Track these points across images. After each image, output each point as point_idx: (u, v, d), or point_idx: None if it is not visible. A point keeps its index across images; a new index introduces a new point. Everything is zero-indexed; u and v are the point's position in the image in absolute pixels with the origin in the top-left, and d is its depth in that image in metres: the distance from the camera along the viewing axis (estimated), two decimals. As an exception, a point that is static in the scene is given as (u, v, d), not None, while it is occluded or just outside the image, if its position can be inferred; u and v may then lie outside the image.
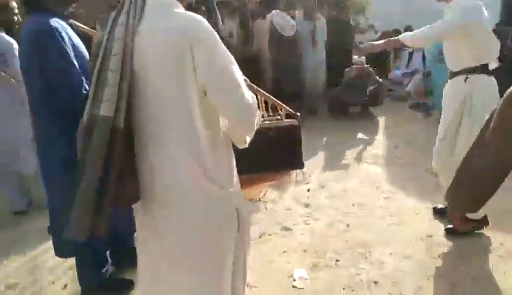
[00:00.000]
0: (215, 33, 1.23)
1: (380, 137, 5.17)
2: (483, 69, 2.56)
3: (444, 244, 2.64)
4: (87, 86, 1.83)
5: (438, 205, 3.06)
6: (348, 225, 2.94)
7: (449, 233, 2.74)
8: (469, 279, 2.29)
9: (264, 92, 1.92)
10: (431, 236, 2.74)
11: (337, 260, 2.52)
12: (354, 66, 6.11)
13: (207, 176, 1.29)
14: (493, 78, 2.60)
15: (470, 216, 2.59)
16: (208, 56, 1.20)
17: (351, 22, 6.98)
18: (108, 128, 1.17)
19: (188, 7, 1.33)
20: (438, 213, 3.01)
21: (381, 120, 5.92)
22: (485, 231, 2.70)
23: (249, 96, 1.28)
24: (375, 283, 2.30)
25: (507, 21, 5.94)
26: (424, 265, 2.44)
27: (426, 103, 6.18)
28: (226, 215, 1.37)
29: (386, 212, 3.14)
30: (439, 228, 2.83)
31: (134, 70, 1.21)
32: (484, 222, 2.66)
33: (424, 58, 6.79)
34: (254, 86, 1.74)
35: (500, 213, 2.75)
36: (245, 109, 1.27)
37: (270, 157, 1.91)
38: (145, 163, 1.28)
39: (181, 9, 1.26)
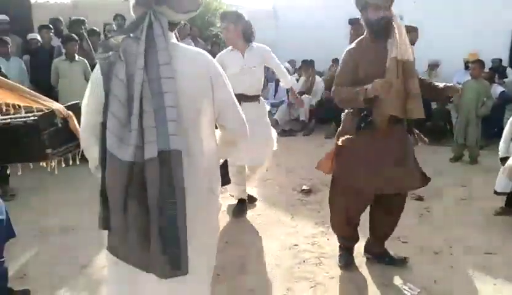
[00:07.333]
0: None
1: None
2: None
3: (307, 251, 3.09)
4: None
5: None
6: (226, 242, 3.20)
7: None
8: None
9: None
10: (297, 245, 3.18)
11: (218, 275, 2.72)
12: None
13: (212, 192, 1.52)
14: None
15: None
16: (222, 83, 1.42)
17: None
18: (181, 159, 1.24)
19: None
20: None
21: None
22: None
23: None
24: (251, 290, 2.59)
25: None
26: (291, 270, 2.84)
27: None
28: (217, 218, 1.64)
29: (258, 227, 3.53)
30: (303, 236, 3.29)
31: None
32: None
33: (288, 90, 7.58)
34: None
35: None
36: (246, 128, 1.52)
37: None
38: None
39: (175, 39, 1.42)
